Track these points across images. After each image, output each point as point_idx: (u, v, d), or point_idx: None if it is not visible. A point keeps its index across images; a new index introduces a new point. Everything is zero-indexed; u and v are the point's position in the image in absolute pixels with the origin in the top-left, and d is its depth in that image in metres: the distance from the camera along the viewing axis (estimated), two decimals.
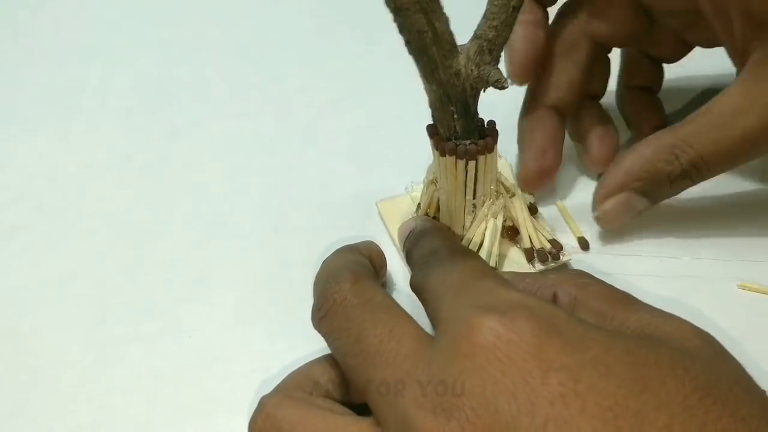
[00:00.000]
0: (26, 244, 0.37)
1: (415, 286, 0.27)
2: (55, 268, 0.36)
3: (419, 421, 0.20)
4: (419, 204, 0.35)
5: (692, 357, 0.21)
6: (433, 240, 0.30)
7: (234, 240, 0.37)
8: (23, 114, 0.46)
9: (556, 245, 0.34)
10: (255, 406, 0.29)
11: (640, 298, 0.26)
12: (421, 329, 0.24)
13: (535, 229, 0.34)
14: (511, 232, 0.34)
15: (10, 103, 0.47)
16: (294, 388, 0.26)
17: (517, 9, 0.27)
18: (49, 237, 0.38)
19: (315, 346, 0.30)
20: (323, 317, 0.26)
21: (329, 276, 0.27)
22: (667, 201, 0.34)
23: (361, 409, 0.25)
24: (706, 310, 0.32)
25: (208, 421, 0.30)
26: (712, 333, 0.23)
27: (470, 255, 0.29)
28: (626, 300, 0.25)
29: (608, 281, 0.27)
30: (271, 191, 0.40)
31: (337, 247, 0.31)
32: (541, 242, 0.34)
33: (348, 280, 0.26)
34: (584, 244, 0.35)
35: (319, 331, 0.26)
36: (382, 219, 0.36)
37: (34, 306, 0.34)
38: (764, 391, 0.21)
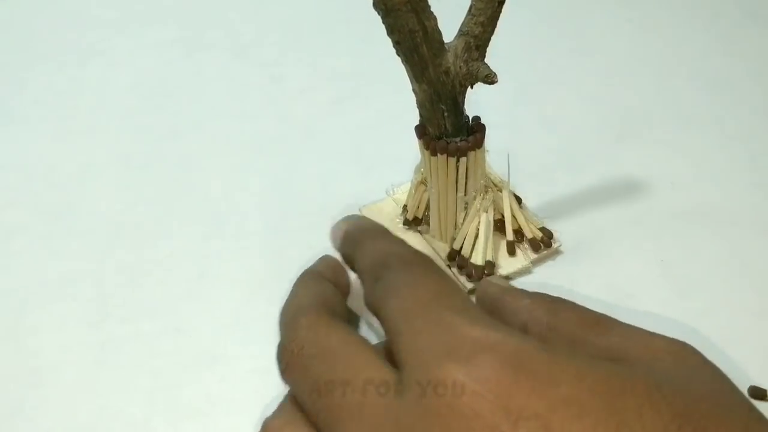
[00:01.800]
0: (26, 244, 0.37)
1: (371, 306, 0.25)
2: (55, 268, 0.36)
3: None
4: (405, 206, 0.35)
5: (668, 379, 0.20)
6: (378, 243, 0.28)
7: (233, 240, 0.37)
8: (23, 114, 0.46)
9: (547, 233, 0.34)
10: (253, 405, 0.30)
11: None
12: (384, 368, 0.22)
13: (525, 219, 0.34)
14: (501, 225, 0.34)
15: (10, 103, 0.46)
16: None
17: (502, 3, 0.27)
18: (49, 237, 0.37)
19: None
20: (284, 370, 0.24)
21: (288, 320, 0.25)
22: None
23: None
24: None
25: (207, 420, 0.29)
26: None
27: (425, 268, 0.26)
28: (598, 322, 0.24)
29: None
30: (271, 191, 0.39)
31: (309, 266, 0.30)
32: (533, 231, 0.34)
33: (302, 327, 0.24)
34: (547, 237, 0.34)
35: (286, 383, 0.25)
36: None
37: (33, 306, 0.34)
38: (748, 400, 0.21)
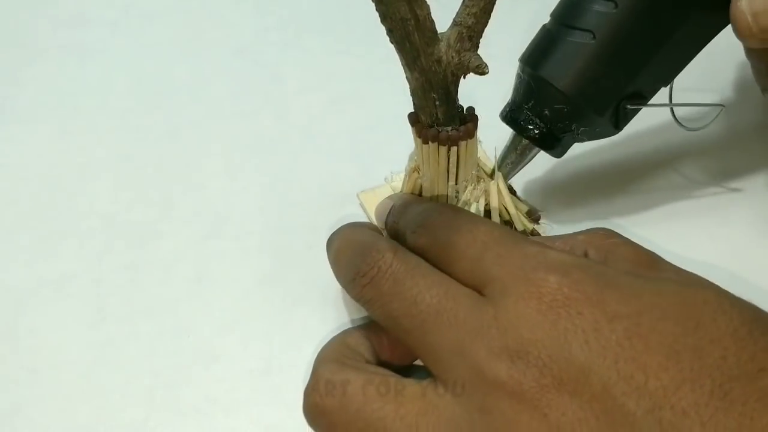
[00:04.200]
0: (25, 244, 0.36)
1: (422, 245, 0.27)
2: (54, 268, 0.35)
3: (497, 370, 0.21)
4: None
5: (733, 296, 0.22)
6: (422, 204, 0.30)
7: (232, 239, 0.36)
8: (22, 114, 0.45)
9: (534, 213, 0.35)
10: (252, 405, 0.29)
11: None
12: (461, 285, 0.24)
13: (517, 210, 0.34)
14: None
15: (9, 103, 0.46)
16: (341, 356, 0.26)
17: None
18: (48, 237, 0.37)
19: (313, 345, 0.30)
20: (368, 284, 0.26)
21: (364, 247, 0.27)
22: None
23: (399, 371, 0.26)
24: None
25: (207, 420, 0.29)
26: None
27: (473, 213, 0.30)
28: (654, 261, 0.26)
29: None
30: (270, 191, 0.39)
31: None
32: (523, 223, 0.34)
33: (389, 249, 0.26)
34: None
35: (363, 298, 0.26)
36: (364, 210, 0.36)
37: (32, 306, 0.33)
38: None
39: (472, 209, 0.32)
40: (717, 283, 0.23)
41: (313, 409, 0.24)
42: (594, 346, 0.21)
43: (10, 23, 0.53)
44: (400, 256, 0.26)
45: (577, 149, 0.40)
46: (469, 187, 0.32)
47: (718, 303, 0.21)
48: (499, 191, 0.33)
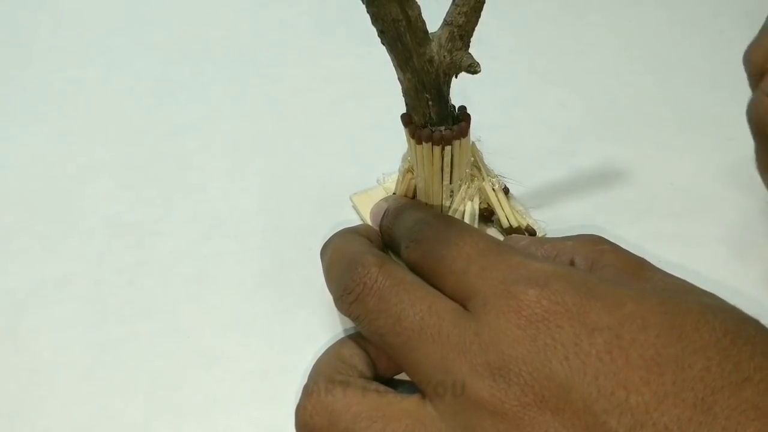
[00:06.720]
0: (25, 245, 0.36)
1: (415, 260, 0.27)
2: (54, 269, 0.35)
3: (480, 389, 0.21)
4: (394, 193, 0.34)
5: (715, 305, 0.22)
6: (416, 212, 0.30)
7: (233, 240, 0.36)
8: (22, 114, 0.45)
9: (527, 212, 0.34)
10: (252, 406, 0.29)
11: None
12: (455, 303, 0.24)
13: (511, 208, 0.33)
14: (486, 214, 0.33)
15: (10, 103, 0.46)
16: (333, 371, 0.25)
17: None
18: (48, 237, 0.36)
19: (313, 346, 0.30)
20: (354, 301, 0.25)
21: (351, 261, 0.26)
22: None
23: (389, 382, 0.25)
24: None
25: (207, 421, 0.29)
26: None
27: (464, 224, 0.29)
28: (641, 267, 0.25)
29: None
30: (270, 191, 0.39)
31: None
32: (518, 221, 0.33)
33: (374, 264, 0.25)
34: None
35: (350, 315, 0.26)
36: (358, 212, 0.35)
37: (32, 306, 0.33)
38: None
39: (467, 208, 0.32)
40: (717, 293, 0.23)
41: (303, 428, 0.24)
42: (574, 361, 0.20)
43: (10, 23, 0.53)
44: (385, 270, 0.25)
45: (575, 148, 0.40)
46: (464, 186, 0.32)
47: (701, 312, 0.21)
48: (493, 190, 0.33)
